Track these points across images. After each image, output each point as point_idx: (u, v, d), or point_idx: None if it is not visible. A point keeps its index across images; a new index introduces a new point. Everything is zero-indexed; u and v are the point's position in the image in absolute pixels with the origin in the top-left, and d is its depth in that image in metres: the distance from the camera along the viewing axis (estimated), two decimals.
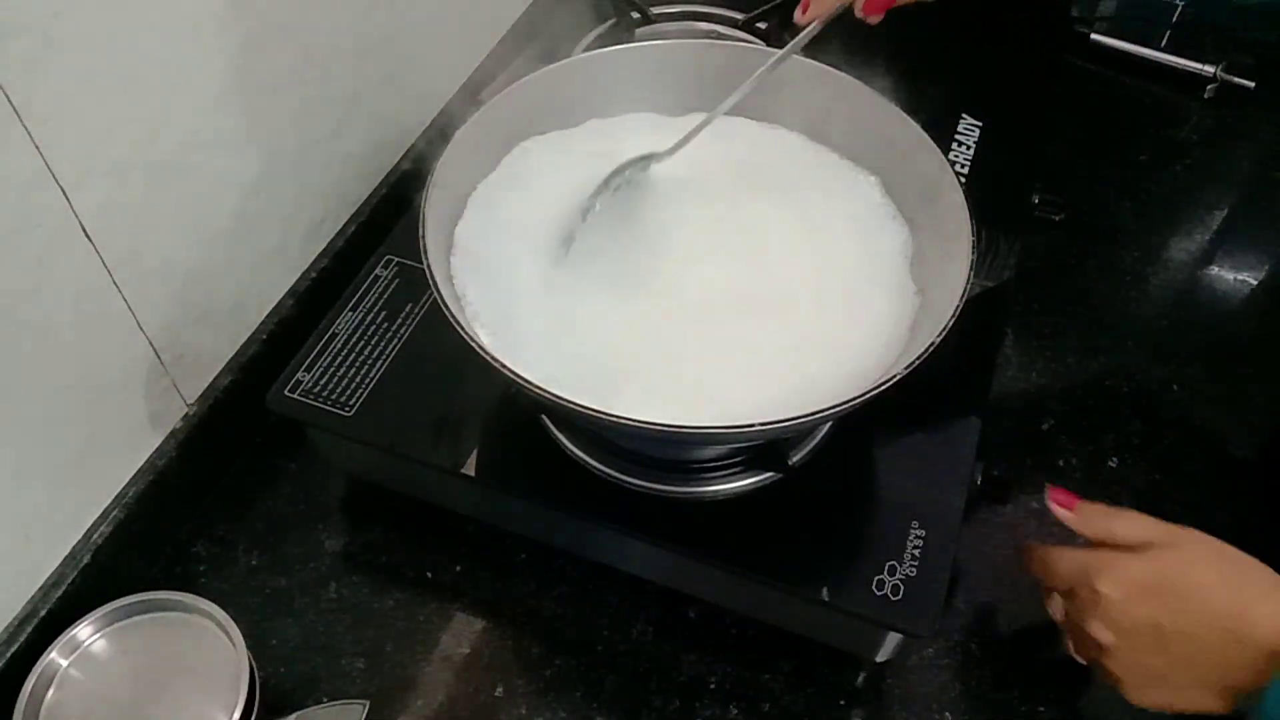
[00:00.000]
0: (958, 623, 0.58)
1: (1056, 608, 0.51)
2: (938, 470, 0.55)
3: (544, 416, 0.57)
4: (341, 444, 0.58)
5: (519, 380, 0.44)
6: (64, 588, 0.53)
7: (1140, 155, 0.85)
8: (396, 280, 0.62)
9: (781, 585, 0.52)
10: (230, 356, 0.63)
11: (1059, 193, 0.73)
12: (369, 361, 0.58)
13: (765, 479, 0.54)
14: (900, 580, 0.51)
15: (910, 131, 0.54)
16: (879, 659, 0.54)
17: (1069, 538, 0.61)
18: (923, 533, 0.52)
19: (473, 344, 0.45)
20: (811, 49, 0.53)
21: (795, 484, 0.54)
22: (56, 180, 0.47)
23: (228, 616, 0.49)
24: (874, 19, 0.51)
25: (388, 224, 0.66)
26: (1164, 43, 0.91)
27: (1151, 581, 0.45)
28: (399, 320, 0.60)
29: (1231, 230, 0.80)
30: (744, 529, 0.53)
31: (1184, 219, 0.81)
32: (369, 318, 0.60)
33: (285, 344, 0.61)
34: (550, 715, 0.54)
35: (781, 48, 0.58)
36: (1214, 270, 0.77)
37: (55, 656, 0.48)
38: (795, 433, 0.55)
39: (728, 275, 0.54)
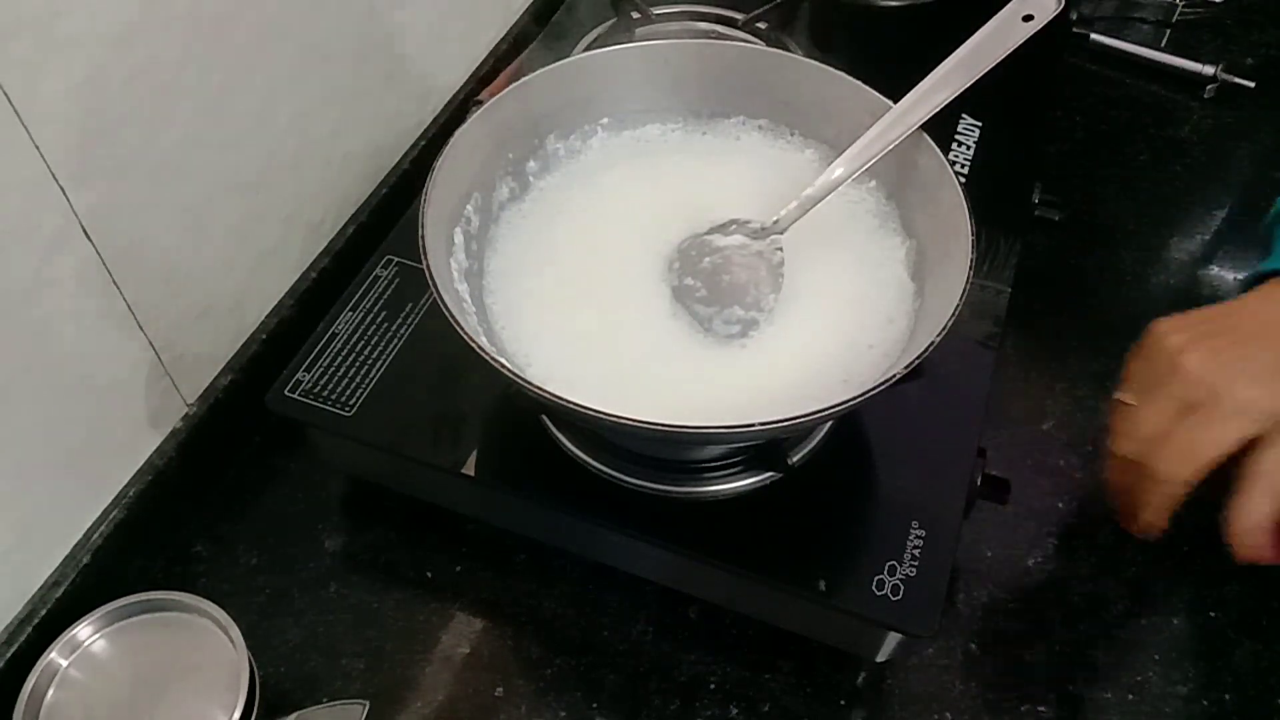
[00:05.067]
0: (958, 623, 0.58)
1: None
2: (938, 470, 0.55)
3: (544, 416, 0.57)
4: (341, 444, 0.58)
5: (519, 380, 0.44)
6: (64, 588, 0.53)
7: (1140, 155, 0.84)
8: (396, 280, 0.62)
9: (782, 585, 0.52)
10: (230, 356, 0.63)
11: (1059, 193, 0.73)
12: (369, 361, 0.58)
13: (765, 479, 0.54)
14: (900, 580, 0.51)
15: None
16: (879, 659, 0.54)
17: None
18: (923, 533, 0.52)
19: (473, 344, 0.45)
20: (813, 51, 0.53)
21: (795, 484, 0.54)
22: (56, 180, 0.47)
23: (228, 616, 0.49)
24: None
25: (388, 224, 0.66)
26: (1164, 43, 0.92)
27: None
28: (399, 320, 0.60)
29: (1231, 230, 0.80)
30: (744, 529, 0.53)
31: (1184, 219, 0.81)
32: (369, 318, 0.60)
33: (285, 344, 0.61)
34: (550, 715, 0.54)
35: (781, 48, 0.58)
36: (1214, 270, 0.77)
37: (55, 656, 0.48)
38: (795, 432, 0.55)
39: None
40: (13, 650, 0.51)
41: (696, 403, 0.50)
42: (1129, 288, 0.75)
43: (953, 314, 0.46)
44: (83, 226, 0.49)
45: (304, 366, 0.58)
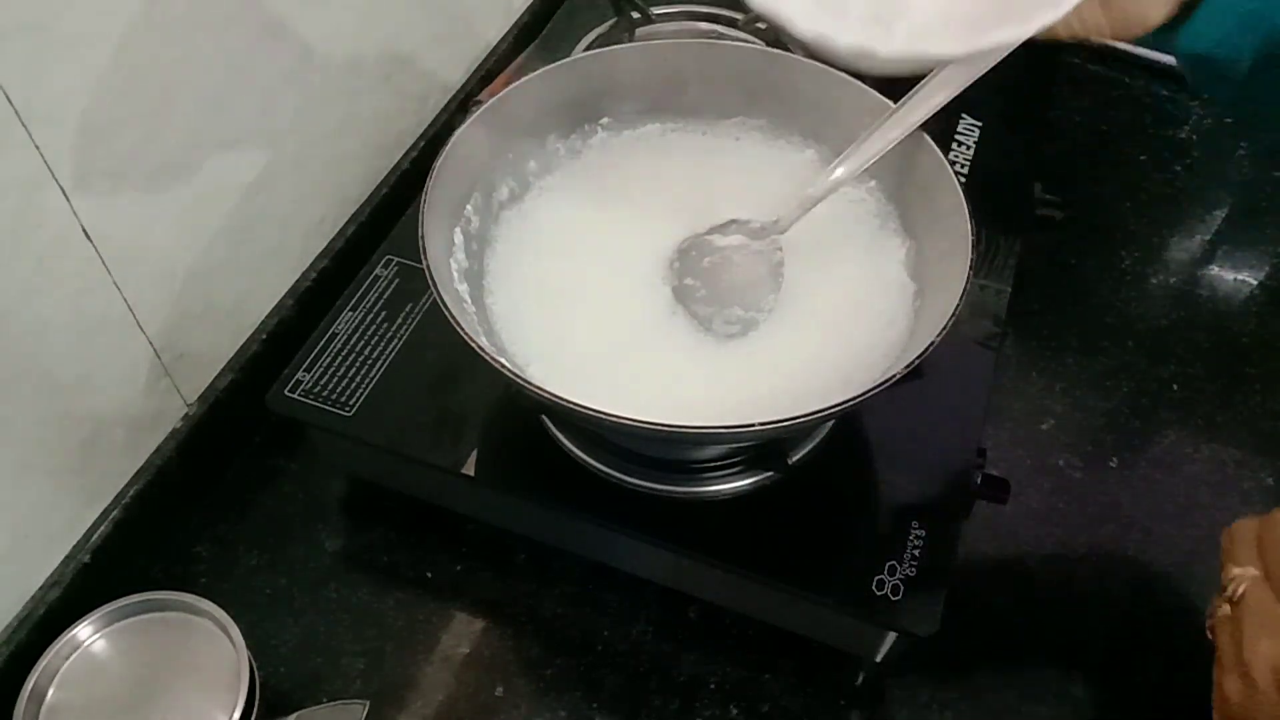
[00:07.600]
0: (958, 623, 0.58)
1: None
2: (938, 470, 0.55)
3: (544, 416, 0.57)
4: (341, 444, 0.58)
5: (519, 380, 0.44)
6: (64, 588, 0.54)
7: (1140, 155, 0.85)
8: (396, 280, 0.62)
9: (781, 585, 0.52)
10: (230, 356, 0.63)
11: (1059, 193, 0.73)
12: (369, 361, 0.58)
13: (765, 479, 0.54)
14: (900, 580, 0.51)
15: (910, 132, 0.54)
16: (879, 659, 0.54)
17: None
18: (923, 533, 0.52)
19: (473, 344, 0.45)
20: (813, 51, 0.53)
21: (795, 484, 0.54)
22: (56, 180, 0.47)
23: (228, 616, 0.49)
24: None
25: (388, 224, 0.66)
26: None
27: None
28: (399, 320, 0.60)
29: (1231, 230, 0.80)
30: (744, 529, 0.53)
31: (1184, 219, 0.81)
32: (369, 318, 0.60)
33: (285, 344, 0.61)
34: (550, 715, 0.54)
35: (781, 48, 0.58)
36: (1214, 270, 0.77)
37: (55, 656, 0.48)
38: (795, 432, 0.55)
39: None
40: (12, 650, 0.51)
41: (696, 403, 0.50)
42: (1129, 288, 0.75)
43: (953, 314, 0.46)
44: (83, 226, 0.49)
45: (304, 366, 0.58)
